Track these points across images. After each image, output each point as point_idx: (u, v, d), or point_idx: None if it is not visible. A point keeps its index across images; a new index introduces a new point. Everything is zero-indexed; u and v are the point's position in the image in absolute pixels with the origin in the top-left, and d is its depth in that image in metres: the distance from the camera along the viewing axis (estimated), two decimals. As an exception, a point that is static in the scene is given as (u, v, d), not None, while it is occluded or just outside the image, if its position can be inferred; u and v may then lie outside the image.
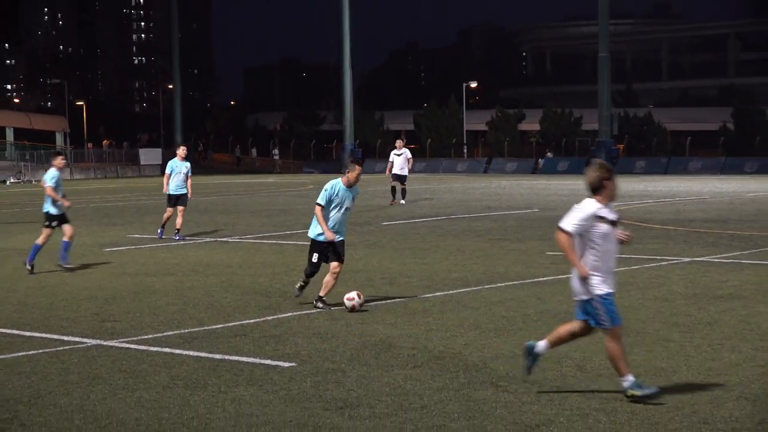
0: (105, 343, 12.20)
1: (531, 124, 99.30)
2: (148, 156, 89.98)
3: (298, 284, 14.79)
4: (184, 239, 24.64)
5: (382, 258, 20.47)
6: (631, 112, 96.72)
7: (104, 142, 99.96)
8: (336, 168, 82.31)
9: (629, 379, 9.19)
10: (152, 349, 11.85)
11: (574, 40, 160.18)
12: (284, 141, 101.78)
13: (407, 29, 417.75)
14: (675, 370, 10.38)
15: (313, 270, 14.55)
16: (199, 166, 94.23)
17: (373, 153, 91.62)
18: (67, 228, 19.41)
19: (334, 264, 14.31)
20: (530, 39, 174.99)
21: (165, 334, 12.77)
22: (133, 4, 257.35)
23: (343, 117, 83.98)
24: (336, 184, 14.34)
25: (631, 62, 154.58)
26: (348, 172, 14.32)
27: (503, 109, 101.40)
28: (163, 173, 27.31)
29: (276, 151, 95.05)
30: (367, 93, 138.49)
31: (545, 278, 17.26)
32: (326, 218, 14.26)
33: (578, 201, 9.54)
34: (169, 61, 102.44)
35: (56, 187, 19.28)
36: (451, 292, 15.86)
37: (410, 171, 37.93)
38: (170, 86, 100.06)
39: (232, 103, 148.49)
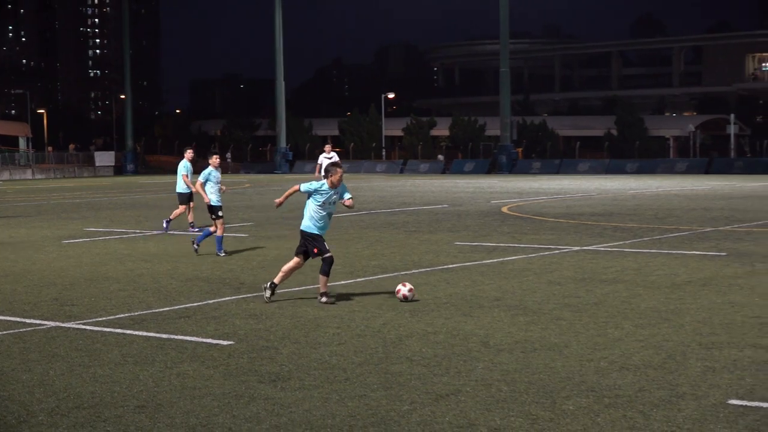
0: (63, 325, 12.00)
1: (441, 130, 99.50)
2: (102, 158, 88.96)
3: (326, 297, 13.42)
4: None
5: (311, 248, 20.34)
6: (528, 119, 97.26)
7: (71, 146, 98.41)
8: (270, 168, 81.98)
9: None
10: (106, 330, 11.67)
11: (479, 57, 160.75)
12: (224, 146, 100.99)
13: (331, 47, 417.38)
14: (566, 344, 10.45)
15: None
16: (148, 166, 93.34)
17: (303, 155, 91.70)
18: (218, 222, 19.66)
19: (301, 259, 13.62)
20: (440, 56, 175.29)
21: (117, 316, 12.59)
22: (90, 23, 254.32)
23: (277, 123, 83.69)
24: (323, 183, 13.39)
25: (528, 76, 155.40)
26: (331, 175, 13.30)
27: (417, 117, 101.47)
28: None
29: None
30: (297, 102, 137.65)
31: (453, 265, 17.31)
32: (315, 218, 13.47)
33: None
34: (121, 74, 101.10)
35: (205, 182, 19.74)
36: (371, 278, 15.84)
37: None
38: (122, 96, 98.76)
39: (177, 111, 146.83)
